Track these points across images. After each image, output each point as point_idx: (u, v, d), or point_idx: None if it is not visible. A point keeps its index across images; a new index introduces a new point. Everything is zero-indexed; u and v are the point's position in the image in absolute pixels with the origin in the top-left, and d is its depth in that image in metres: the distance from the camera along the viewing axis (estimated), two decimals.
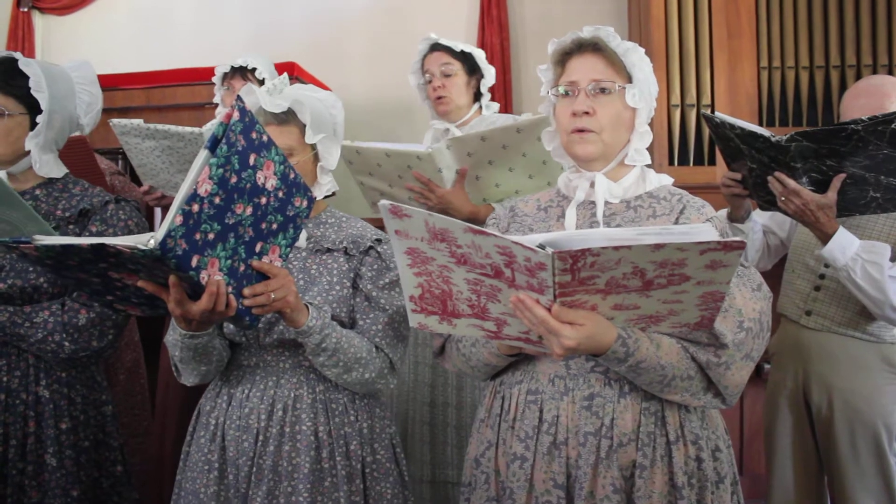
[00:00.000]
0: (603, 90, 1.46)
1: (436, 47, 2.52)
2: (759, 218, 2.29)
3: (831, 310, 2.16)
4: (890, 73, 3.09)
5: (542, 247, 1.10)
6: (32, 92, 1.71)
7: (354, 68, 3.98)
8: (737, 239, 1.08)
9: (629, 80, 1.48)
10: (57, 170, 1.80)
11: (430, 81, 2.51)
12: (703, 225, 1.13)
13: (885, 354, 2.11)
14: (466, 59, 2.51)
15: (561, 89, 1.49)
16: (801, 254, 2.24)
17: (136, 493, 1.86)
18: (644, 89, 1.48)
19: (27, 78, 1.71)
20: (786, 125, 3.19)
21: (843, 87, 3.08)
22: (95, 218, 1.74)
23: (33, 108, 1.73)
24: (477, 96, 2.56)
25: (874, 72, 3.10)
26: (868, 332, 2.12)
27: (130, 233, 1.74)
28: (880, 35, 3.14)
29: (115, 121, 2.35)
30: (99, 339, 1.68)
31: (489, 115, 2.56)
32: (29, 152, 1.74)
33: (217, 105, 2.79)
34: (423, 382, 2.41)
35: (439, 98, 2.49)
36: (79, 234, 1.70)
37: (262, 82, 2.68)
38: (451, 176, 2.24)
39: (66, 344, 1.65)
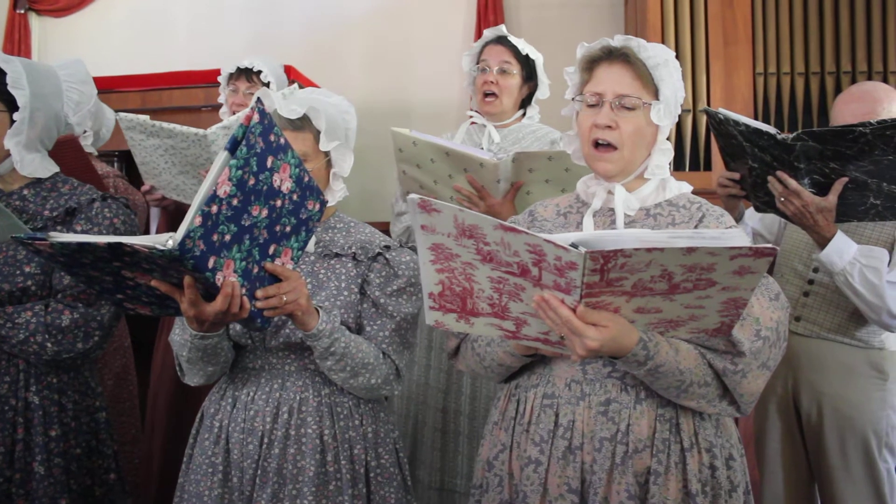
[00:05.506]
0: (627, 107, 1.44)
1: (501, 41, 2.45)
2: (749, 221, 2.29)
3: (821, 315, 2.15)
4: (884, 79, 3.10)
5: (574, 246, 1.10)
6: (9, 88, 1.66)
7: (352, 72, 3.98)
8: (768, 245, 1.07)
9: (656, 94, 1.46)
10: (43, 169, 1.75)
11: (483, 72, 2.44)
12: (735, 230, 1.13)
13: (874, 361, 2.11)
14: (527, 64, 2.45)
15: (585, 98, 1.48)
16: (789, 259, 2.24)
17: (130, 500, 1.84)
18: (669, 106, 1.47)
19: (6, 75, 1.66)
20: (781, 131, 3.19)
21: (838, 93, 3.08)
22: (80, 216, 1.71)
23: (14, 106, 1.67)
24: (524, 103, 2.50)
25: (869, 78, 3.11)
26: (857, 337, 2.11)
27: (116, 231, 1.72)
28: (875, 42, 3.15)
29: (121, 114, 2.33)
30: (84, 340, 1.65)
31: (530, 124, 2.51)
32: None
33: (220, 106, 2.78)
34: (437, 388, 2.37)
35: (487, 95, 2.42)
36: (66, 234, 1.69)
37: (266, 85, 2.67)
38: (505, 187, 2.17)
39: (49, 345, 1.62)
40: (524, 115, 2.53)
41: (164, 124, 2.28)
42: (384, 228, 2.60)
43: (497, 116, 2.47)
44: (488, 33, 2.49)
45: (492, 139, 2.45)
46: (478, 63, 2.47)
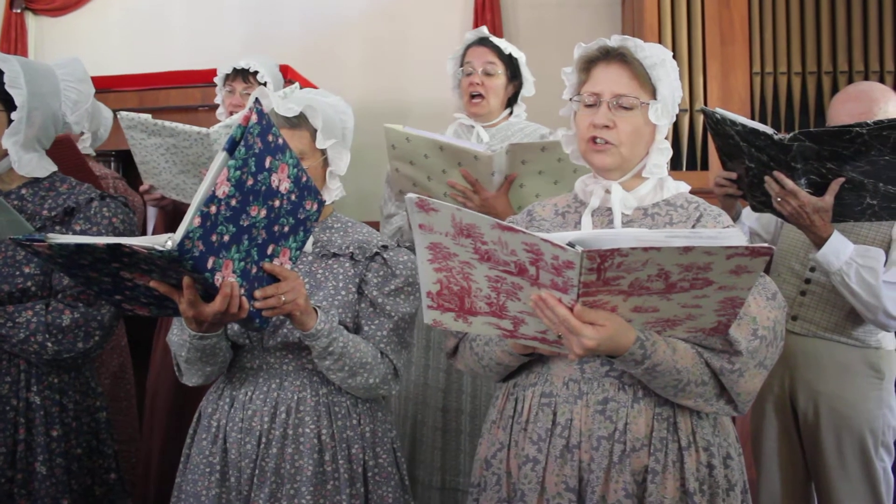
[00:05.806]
0: (625, 106, 1.45)
1: (484, 42, 2.47)
2: (746, 220, 2.29)
3: (817, 315, 2.16)
4: (881, 79, 3.10)
5: (571, 245, 1.11)
6: (7, 87, 1.65)
7: (349, 72, 3.98)
8: (764, 245, 1.08)
9: (653, 93, 1.47)
10: (41, 169, 1.74)
11: (469, 74, 2.46)
12: (733, 230, 1.14)
13: (870, 360, 2.12)
14: (511, 63, 2.47)
15: (583, 98, 1.49)
16: (786, 258, 2.24)
17: (130, 500, 1.84)
18: (667, 105, 1.47)
19: (4, 74, 1.66)
20: (778, 130, 3.20)
21: (834, 93, 3.09)
22: (79, 216, 1.70)
23: (12, 105, 1.67)
24: (510, 101, 2.52)
25: (866, 78, 3.11)
26: (854, 336, 2.12)
27: (115, 231, 1.72)
28: (871, 41, 3.16)
29: (122, 113, 2.33)
30: (84, 340, 1.65)
31: (517, 122, 2.53)
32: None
33: (217, 106, 2.78)
34: (436, 388, 2.38)
35: (474, 96, 2.44)
36: (64, 234, 1.69)
37: (263, 85, 2.67)
38: (500, 181, 2.18)
39: (49, 345, 1.61)
40: (511, 113, 2.54)
41: (167, 123, 2.28)
42: None
43: (484, 117, 2.49)
44: (470, 35, 2.51)
45: (480, 139, 2.47)
46: (462, 66, 2.49)
